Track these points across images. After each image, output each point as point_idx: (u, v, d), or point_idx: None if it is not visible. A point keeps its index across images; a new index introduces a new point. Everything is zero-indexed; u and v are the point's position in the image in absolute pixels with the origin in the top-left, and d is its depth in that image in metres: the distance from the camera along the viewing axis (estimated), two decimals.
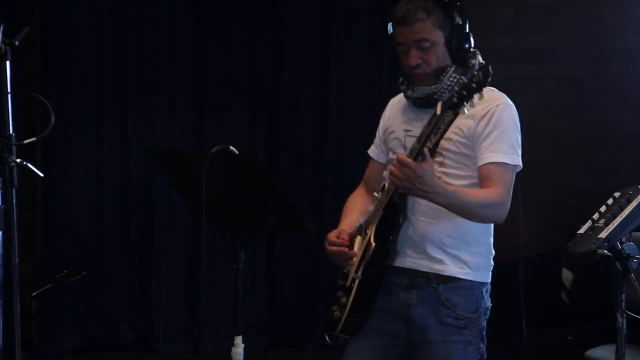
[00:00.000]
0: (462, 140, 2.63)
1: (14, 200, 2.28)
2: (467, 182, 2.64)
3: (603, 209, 2.65)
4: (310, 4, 5.54)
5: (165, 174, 3.13)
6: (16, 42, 2.26)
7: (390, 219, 2.63)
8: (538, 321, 5.14)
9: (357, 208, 2.91)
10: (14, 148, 2.26)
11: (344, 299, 2.72)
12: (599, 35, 5.67)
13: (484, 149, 2.62)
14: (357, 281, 2.66)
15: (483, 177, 2.62)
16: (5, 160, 2.24)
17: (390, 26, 2.70)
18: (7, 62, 2.25)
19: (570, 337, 5.12)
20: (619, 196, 2.66)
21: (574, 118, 5.60)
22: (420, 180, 2.43)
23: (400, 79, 2.75)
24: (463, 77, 2.64)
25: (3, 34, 2.24)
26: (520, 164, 2.66)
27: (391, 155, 2.79)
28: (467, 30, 2.68)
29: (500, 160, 2.61)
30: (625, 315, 2.56)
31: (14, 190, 2.27)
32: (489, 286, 2.74)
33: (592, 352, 3.89)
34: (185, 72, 5.51)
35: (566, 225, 4.94)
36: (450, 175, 2.64)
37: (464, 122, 2.61)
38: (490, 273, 2.75)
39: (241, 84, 5.55)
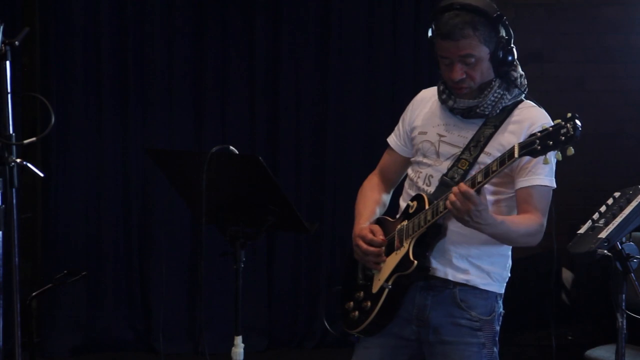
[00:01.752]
0: None
1: (14, 200, 2.28)
2: (497, 197, 2.65)
3: (603, 209, 2.65)
4: (310, 3, 5.54)
5: (165, 174, 3.13)
6: (16, 42, 2.26)
7: (430, 238, 2.63)
8: (538, 321, 5.14)
9: (374, 200, 2.89)
10: (14, 148, 2.26)
11: (367, 304, 2.72)
12: (599, 35, 5.67)
13: (525, 171, 2.60)
14: (386, 290, 2.66)
15: (522, 200, 2.62)
16: (5, 160, 2.24)
17: (430, 31, 2.67)
18: (7, 62, 2.25)
19: (570, 337, 5.12)
20: (619, 196, 2.66)
21: None
22: (478, 214, 2.44)
23: (441, 87, 2.73)
24: (507, 93, 2.65)
25: (3, 34, 2.24)
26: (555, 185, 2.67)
27: (420, 158, 2.76)
28: (512, 45, 2.65)
29: (542, 184, 2.61)
30: (625, 315, 2.56)
31: (14, 190, 2.27)
32: (502, 294, 2.75)
33: (592, 352, 3.89)
34: (185, 72, 5.51)
35: (566, 225, 4.95)
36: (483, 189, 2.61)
37: (506, 138, 2.61)
38: (505, 284, 2.76)
39: (241, 83, 5.55)
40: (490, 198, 2.63)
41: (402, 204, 2.79)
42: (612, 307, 2.58)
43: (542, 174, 2.60)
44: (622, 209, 2.59)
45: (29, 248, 5.32)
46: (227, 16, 5.49)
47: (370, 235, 2.72)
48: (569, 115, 2.35)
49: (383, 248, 2.70)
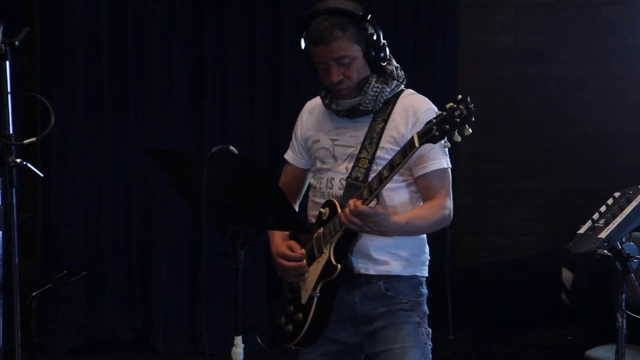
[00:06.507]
0: (396, 148, 2.66)
1: (14, 200, 2.28)
2: (403, 184, 2.72)
3: (603, 209, 2.65)
4: (310, 3, 5.53)
5: (165, 174, 3.13)
6: (16, 42, 2.26)
7: (349, 239, 2.67)
8: (538, 321, 5.14)
9: None
10: (14, 148, 2.26)
11: (299, 316, 2.78)
12: (599, 35, 5.67)
13: (421, 157, 2.67)
14: (315, 299, 2.71)
15: (424, 188, 2.71)
16: (5, 160, 2.24)
17: (303, 41, 2.76)
18: (7, 62, 2.25)
19: (570, 337, 5.12)
20: (619, 196, 2.66)
21: (574, 118, 5.60)
22: (378, 224, 2.53)
23: (323, 93, 2.81)
24: (385, 86, 2.72)
25: (3, 34, 2.24)
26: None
27: (319, 165, 2.83)
28: (382, 40, 2.74)
29: (440, 167, 2.69)
30: (625, 315, 2.56)
31: (14, 190, 2.27)
32: (426, 278, 2.82)
33: (592, 352, 3.90)
34: (186, 72, 5.51)
35: (566, 225, 4.94)
36: None
37: (395, 129, 2.68)
38: (427, 267, 2.82)
39: (241, 83, 5.55)
40: (401, 184, 2.71)
41: (311, 213, 2.85)
42: (612, 307, 2.58)
43: (436, 158, 2.67)
44: (622, 209, 2.59)
45: (29, 248, 5.33)
46: (227, 16, 5.49)
47: (288, 252, 2.80)
48: (460, 97, 2.43)
49: (304, 260, 2.76)
